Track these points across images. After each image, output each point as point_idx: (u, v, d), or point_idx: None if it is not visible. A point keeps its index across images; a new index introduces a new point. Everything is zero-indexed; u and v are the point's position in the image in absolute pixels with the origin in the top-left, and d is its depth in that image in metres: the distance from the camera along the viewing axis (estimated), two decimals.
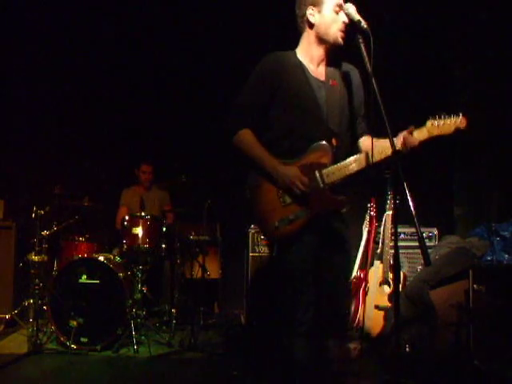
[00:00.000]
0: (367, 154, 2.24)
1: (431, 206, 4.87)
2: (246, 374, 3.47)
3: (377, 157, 2.21)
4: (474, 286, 3.38)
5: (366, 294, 3.92)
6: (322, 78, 2.40)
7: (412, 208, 1.95)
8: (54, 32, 5.55)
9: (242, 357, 3.85)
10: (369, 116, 2.40)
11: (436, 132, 2.22)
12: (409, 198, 1.95)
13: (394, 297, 2.13)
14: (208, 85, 5.61)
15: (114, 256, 4.55)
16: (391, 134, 2.09)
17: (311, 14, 2.35)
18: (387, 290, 3.86)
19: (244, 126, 2.38)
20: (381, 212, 4.11)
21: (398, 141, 2.21)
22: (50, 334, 4.18)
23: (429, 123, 2.23)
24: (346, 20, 2.29)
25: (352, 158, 2.27)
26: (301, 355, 2.28)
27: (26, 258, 4.31)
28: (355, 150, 2.43)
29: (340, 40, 2.34)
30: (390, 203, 3.98)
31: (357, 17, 2.21)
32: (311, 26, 2.37)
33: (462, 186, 5.21)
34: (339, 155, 2.31)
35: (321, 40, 2.37)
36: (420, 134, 2.23)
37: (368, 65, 2.13)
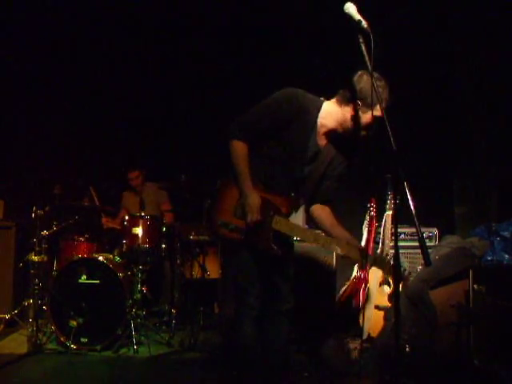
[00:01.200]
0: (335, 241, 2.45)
1: (431, 205, 4.86)
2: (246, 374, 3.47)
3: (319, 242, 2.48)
4: (474, 286, 3.38)
5: (365, 293, 3.91)
6: (322, 145, 2.53)
7: (412, 208, 1.95)
8: (55, 33, 5.54)
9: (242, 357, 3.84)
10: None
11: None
12: (409, 197, 1.95)
13: (393, 297, 2.13)
14: (208, 85, 5.61)
15: (114, 256, 4.55)
16: (391, 134, 2.09)
17: (359, 107, 2.39)
18: (387, 290, 3.86)
19: (242, 139, 2.49)
20: (381, 212, 4.10)
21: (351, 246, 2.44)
22: (49, 334, 4.18)
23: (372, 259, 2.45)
24: (366, 134, 2.44)
25: (310, 230, 2.61)
26: (247, 336, 2.55)
27: (26, 258, 4.30)
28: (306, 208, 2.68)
29: (362, 131, 2.44)
30: (389, 203, 3.97)
31: (357, 17, 2.20)
32: (346, 110, 2.43)
33: (462, 186, 5.21)
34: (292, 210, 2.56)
35: (342, 125, 2.46)
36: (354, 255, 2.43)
37: (368, 64, 2.13)
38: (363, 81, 2.36)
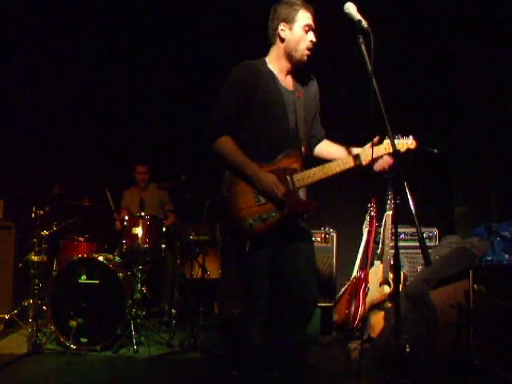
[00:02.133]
0: (354, 157, 2.46)
1: (431, 206, 4.87)
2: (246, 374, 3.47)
3: (340, 167, 2.45)
4: (475, 286, 3.38)
5: (365, 294, 3.91)
6: (291, 88, 2.54)
7: (412, 208, 1.95)
8: (56, 33, 5.54)
9: (242, 357, 3.84)
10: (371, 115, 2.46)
11: (391, 150, 2.41)
12: (409, 197, 1.95)
13: (393, 297, 2.13)
14: (208, 85, 5.60)
15: (114, 256, 4.55)
16: (391, 134, 2.09)
17: (282, 29, 2.49)
18: (387, 290, 3.86)
19: (223, 133, 2.48)
20: (381, 212, 4.11)
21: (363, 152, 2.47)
22: (49, 334, 4.18)
23: (386, 142, 2.45)
24: (314, 39, 2.46)
25: (325, 164, 2.46)
26: (254, 342, 2.50)
27: (26, 258, 4.30)
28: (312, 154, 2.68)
29: (305, 58, 2.49)
30: (390, 203, 3.97)
31: (357, 16, 2.20)
32: (282, 40, 2.50)
33: (462, 186, 5.21)
34: (306, 161, 2.51)
35: (289, 55, 2.51)
36: (378, 150, 2.46)
37: (368, 64, 2.13)
38: (278, 8, 2.49)
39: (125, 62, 5.72)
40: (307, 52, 2.48)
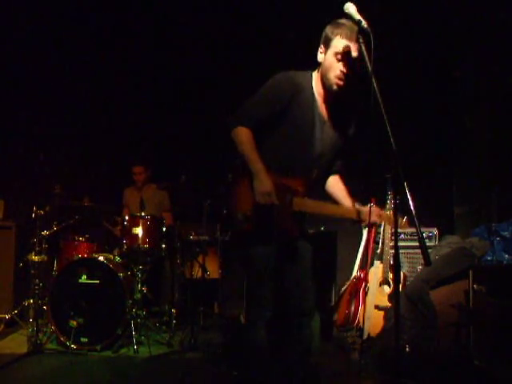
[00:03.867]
0: (357, 212, 2.49)
1: (431, 206, 4.87)
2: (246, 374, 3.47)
3: (342, 213, 2.54)
4: (474, 286, 3.38)
5: (365, 293, 3.91)
6: (325, 115, 2.49)
7: (412, 208, 1.95)
8: (56, 33, 5.54)
9: (242, 357, 3.84)
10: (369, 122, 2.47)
11: (386, 221, 2.64)
12: (409, 197, 1.95)
13: (394, 297, 2.13)
14: (208, 85, 5.61)
15: (114, 256, 4.55)
16: (392, 134, 2.09)
17: (321, 52, 2.43)
18: (387, 290, 3.86)
19: (244, 125, 2.44)
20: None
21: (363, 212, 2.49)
22: (50, 334, 4.18)
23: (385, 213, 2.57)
24: (344, 70, 2.35)
25: (330, 204, 2.52)
26: (259, 341, 2.49)
27: (26, 258, 4.30)
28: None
29: (335, 87, 2.39)
30: (389, 203, 3.97)
31: (357, 17, 2.20)
32: (319, 63, 2.45)
33: (462, 186, 5.21)
34: (314, 187, 2.50)
35: (322, 80, 2.45)
36: (374, 217, 2.50)
37: (368, 64, 2.13)
38: (325, 28, 2.43)
39: (125, 63, 5.71)
40: (336, 81, 2.37)
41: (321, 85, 2.46)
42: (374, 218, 2.48)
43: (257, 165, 2.37)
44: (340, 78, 2.36)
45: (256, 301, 2.53)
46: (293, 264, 2.53)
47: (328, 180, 2.68)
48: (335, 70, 2.36)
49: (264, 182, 2.34)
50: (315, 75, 2.49)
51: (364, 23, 2.17)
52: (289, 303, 2.56)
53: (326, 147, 2.49)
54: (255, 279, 2.52)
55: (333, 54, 2.36)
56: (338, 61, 2.35)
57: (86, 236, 4.62)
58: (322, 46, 2.41)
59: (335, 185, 2.68)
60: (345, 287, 4.12)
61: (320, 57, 2.43)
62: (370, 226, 2.57)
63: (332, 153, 2.55)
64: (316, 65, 2.48)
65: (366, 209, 2.48)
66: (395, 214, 2.05)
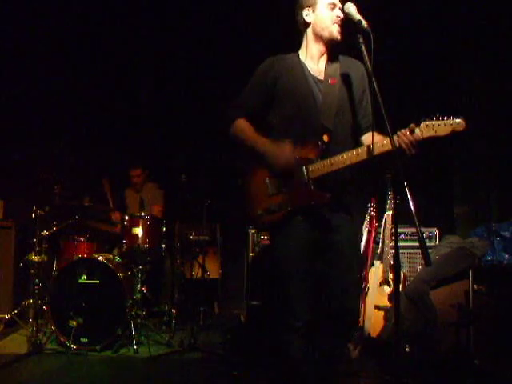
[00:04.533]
0: (368, 147, 2.22)
1: (431, 205, 4.86)
2: (246, 374, 3.47)
3: (377, 150, 2.20)
4: (474, 286, 3.39)
5: (366, 294, 3.91)
6: (321, 76, 2.43)
7: (412, 208, 1.95)
8: (57, 32, 5.54)
9: (242, 357, 3.85)
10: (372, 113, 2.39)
11: (429, 133, 2.15)
12: (409, 197, 1.95)
13: (393, 297, 2.13)
14: (208, 85, 5.61)
15: (114, 256, 4.55)
16: (391, 134, 2.09)
17: (307, 14, 2.43)
18: (387, 290, 3.86)
19: (239, 116, 2.47)
20: (381, 212, 4.11)
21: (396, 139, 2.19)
22: (49, 334, 4.18)
23: (423, 124, 2.16)
24: (341, 15, 2.34)
25: (343, 154, 2.27)
26: (295, 352, 2.28)
27: (26, 258, 4.30)
28: (359, 145, 2.38)
29: (336, 34, 2.37)
30: (390, 203, 3.97)
31: (357, 16, 2.20)
32: (308, 25, 2.44)
33: (462, 186, 5.21)
34: (333, 151, 2.30)
35: (318, 36, 2.42)
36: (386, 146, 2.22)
37: (368, 64, 2.13)
38: None
39: (124, 63, 5.71)
40: (337, 28, 2.36)
41: (313, 45, 2.44)
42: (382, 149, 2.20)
43: (261, 142, 2.36)
44: (339, 24, 2.35)
45: (285, 308, 2.30)
46: (334, 257, 2.30)
47: (363, 139, 2.45)
48: (332, 17, 2.36)
49: (276, 155, 2.30)
50: (300, 50, 2.49)
51: (364, 23, 2.17)
52: (330, 304, 2.31)
53: (331, 106, 2.36)
54: (284, 279, 2.31)
55: (324, 6, 2.37)
56: (332, 9, 2.37)
57: (86, 236, 4.62)
58: (306, 8, 2.41)
59: (367, 138, 2.43)
60: None
61: (309, 18, 2.42)
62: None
63: (344, 110, 2.39)
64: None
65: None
66: (395, 214, 2.04)
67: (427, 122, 2.16)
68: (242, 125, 2.46)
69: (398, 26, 4.92)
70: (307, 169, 2.31)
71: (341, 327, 2.34)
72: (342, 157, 2.27)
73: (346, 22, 2.33)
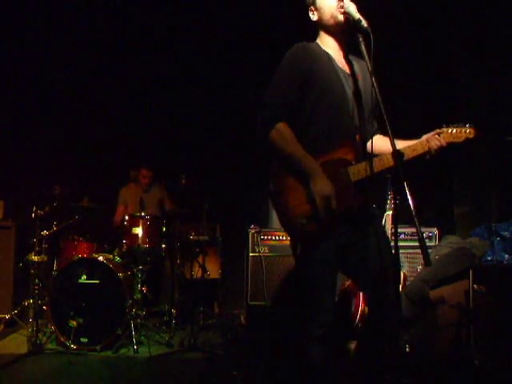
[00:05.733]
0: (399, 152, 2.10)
1: (431, 206, 4.87)
2: (246, 374, 3.47)
3: (410, 154, 2.28)
4: (475, 286, 3.38)
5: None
6: (347, 70, 2.34)
7: (412, 208, 1.95)
8: (58, 33, 5.54)
9: (242, 357, 3.85)
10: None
11: (449, 139, 2.36)
12: (409, 198, 1.94)
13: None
14: (208, 85, 5.61)
15: (114, 256, 4.55)
16: (391, 134, 2.08)
17: (312, 14, 2.38)
18: None
19: (282, 119, 2.24)
20: (381, 212, 4.11)
21: (424, 142, 2.32)
22: (49, 334, 4.19)
23: (446, 130, 2.36)
24: (342, 3, 2.25)
25: (381, 157, 2.23)
26: (315, 359, 2.22)
27: (26, 258, 4.30)
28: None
29: (339, 18, 2.25)
30: (390, 203, 3.97)
31: (357, 16, 2.19)
32: (316, 23, 2.38)
33: (462, 185, 5.21)
34: (362, 153, 2.27)
35: (327, 29, 2.34)
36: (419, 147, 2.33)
37: (368, 64, 2.12)
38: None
39: (124, 64, 5.71)
40: (338, 12, 2.25)
41: (328, 40, 2.35)
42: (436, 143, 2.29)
43: (311, 165, 2.15)
44: (342, 7, 2.24)
45: (309, 318, 2.24)
46: (367, 255, 2.22)
47: (374, 143, 2.37)
48: (332, 5, 2.27)
49: (323, 184, 2.12)
50: (319, 40, 2.39)
51: (364, 22, 2.16)
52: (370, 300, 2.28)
53: (358, 104, 2.29)
54: (314, 287, 2.22)
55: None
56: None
57: (86, 236, 4.62)
58: (310, 8, 2.37)
59: (379, 139, 2.44)
60: (345, 287, 4.11)
61: (314, 16, 2.37)
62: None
63: (365, 109, 2.32)
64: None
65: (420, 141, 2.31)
66: (395, 214, 2.04)
67: (449, 129, 2.35)
68: (287, 133, 2.21)
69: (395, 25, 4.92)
70: (348, 171, 2.20)
71: (380, 321, 2.26)
72: (381, 160, 2.21)
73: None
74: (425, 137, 2.34)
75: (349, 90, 2.29)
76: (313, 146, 2.21)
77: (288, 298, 3.74)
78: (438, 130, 2.34)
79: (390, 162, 2.18)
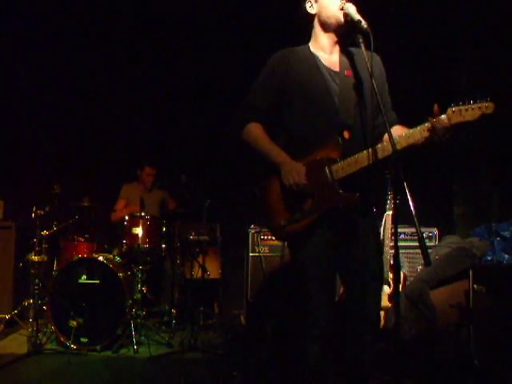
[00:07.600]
0: (391, 141, 2.01)
1: (431, 205, 4.87)
2: (246, 374, 3.47)
3: (403, 142, 2.11)
4: (474, 286, 3.38)
5: None
6: (336, 68, 2.31)
7: (412, 208, 1.94)
8: (59, 32, 5.54)
9: (242, 357, 3.85)
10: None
11: (458, 119, 2.08)
12: (409, 198, 1.94)
13: (394, 297, 2.13)
14: (208, 85, 5.61)
15: (114, 256, 4.55)
16: (391, 134, 2.08)
17: (310, 6, 2.36)
18: (387, 290, 3.85)
19: (252, 120, 2.34)
20: (381, 212, 4.11)
21: (425, 129, 2.12)
22: (49, 334, 4.19)
23: (449, 110, 2.09)
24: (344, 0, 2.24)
25: (368, 150, 2.14)
26: (313, 359, 2.21)
27: (26, 258, 4.30)
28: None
29: (341, 17, 2.23)
30: (390, 203, 3.97)
31: (357, 17, 2.18)
32: (313, 16, 2.36)
33: (462, 186, 5.21)
34: (353, 148, 2.18)
35: (325, 26, 2.32)
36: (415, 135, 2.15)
37: (368, 64, 2.12)
38: None
39: (125, 62, 5.71)
40: (340, 13, 2.22)
41: (323, 36, 2.33)
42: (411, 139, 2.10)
43: (279, 156, 2.22)
44: (341, 7, 2.22)
45: (307, 319, 2.22)
46: (358, 264, 2.20)
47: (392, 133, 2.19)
48: (335, 2, 2.24)
49: (291, 170, 2.15)
50: (310, 42, 2.38)
51: (364, 23, 2.15)
52: (351, 311, 2.24)
53: (349, 100, 2.24)
54: (307, 287, 2.22)
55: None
56: None
57: (86, 236, 4.62)
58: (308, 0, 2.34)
59: (397, 129, 2.31)
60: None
61: (312, 9, 2.34)
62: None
63: (362, 105, 2.25)
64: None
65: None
66: (395, 214, 2.03)
67: (454, 108, 2.09)
68: (256, 131, 2.32)
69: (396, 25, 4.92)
70: (331, 170, 2.18)
71: (361, 335, 2.24)
72: (368, 153, 2.12)
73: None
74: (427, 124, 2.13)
75: (334, 88, 2.26)
76: (299, 147, 2.26)
77: (287, 298, 3.73)
78: (435, 109, 2.11)
79: (381, 153, 2.11)
